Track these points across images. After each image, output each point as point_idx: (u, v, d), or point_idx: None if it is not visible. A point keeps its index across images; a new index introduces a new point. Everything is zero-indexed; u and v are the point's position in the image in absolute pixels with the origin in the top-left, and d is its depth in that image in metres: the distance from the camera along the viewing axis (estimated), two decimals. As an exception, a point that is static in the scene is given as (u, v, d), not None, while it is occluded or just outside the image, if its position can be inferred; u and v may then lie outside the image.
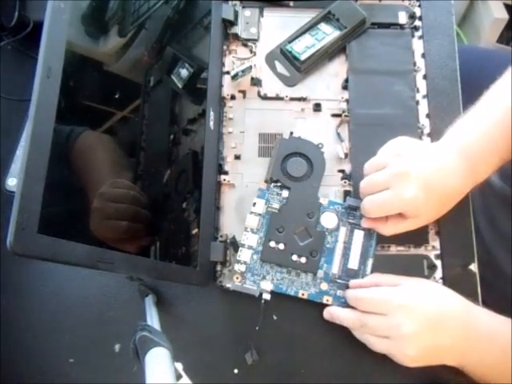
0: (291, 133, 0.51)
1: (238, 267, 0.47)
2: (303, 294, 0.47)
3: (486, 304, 0.48)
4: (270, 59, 0.56)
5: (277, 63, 0.55)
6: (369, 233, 0.48)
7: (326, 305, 0.47)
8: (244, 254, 0.47)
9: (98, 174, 0.39)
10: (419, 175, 0.43)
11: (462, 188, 0.46)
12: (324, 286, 0.47)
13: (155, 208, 0.45)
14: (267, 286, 0.46)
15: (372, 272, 0.47)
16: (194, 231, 0.47)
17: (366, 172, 0.47)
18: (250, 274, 0.47)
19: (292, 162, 0.49)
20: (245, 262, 0.47)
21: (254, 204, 0.48)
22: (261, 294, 0.46)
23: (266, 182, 0.49)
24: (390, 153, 0.46)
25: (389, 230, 0.46)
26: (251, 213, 0.48)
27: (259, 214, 0.48)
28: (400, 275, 0.47)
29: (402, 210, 0.44)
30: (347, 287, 0.47)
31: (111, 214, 0.37)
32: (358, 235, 0.48)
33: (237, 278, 0.47)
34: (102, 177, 0.39)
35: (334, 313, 0.46)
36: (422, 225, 0.46)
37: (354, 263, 0.47)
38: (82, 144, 0.37)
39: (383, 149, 0.47)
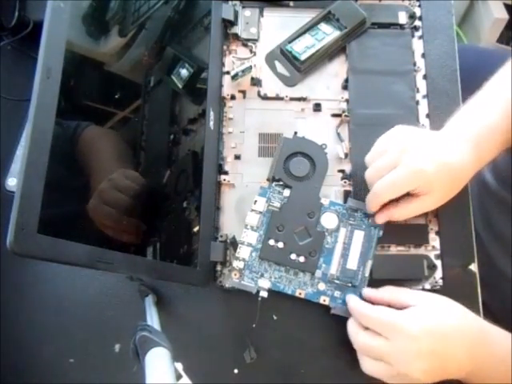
0: (295, 132, 0.51)
1: (236, 264, 0.47)
2: (300, 294, 0.47)
3: (486, 304, 0.48)
4: (269, 59, 0.56)
5: (277, 63, 0.55)
6: (370, 234, 0.48)
7: (324, 305, 0.47)
8: (243, 251, 0.47)
9: (103, 169, 0.39)
10: (424, 148, 0.43)
11: (469, 165, 0.45)
12: (321, 286, 0.47)
13: (155, 208, 0.45)
14: (265, 283, 0.46)
15: (371, 273, 0.47)
16: (194, 231, 0.47)
17: (369, 163, 0.47)
18: (248, 271, 0.47)
19: (295, 162, 0.49)
20: (243, 259, 0.47)
21: (255, 202, 0.48)
22: (258, 292, 0.46)
23: (268, 180, 0.49)
24: (389, 139, 0.46)
25: (402, 212, 0.45)
26: (252, 210, 0.48)
27: (260, 212, 0.48)
28: (401, 276, 0.47)
29: (414, 185, 0.43)
30: (342, 288, 0.47)
31: (110, 201, 0.37)
32: (358, 236, 0.48)
33: (235, 275, 0.47)
34: (107, 172, 0.39)
35: (352, 303, 0.45)
36: (436, 206, 0.46)
37: (352, 264, 0.47)
38: (87, 138, 0.37)
39: (380, 139, 0.47)
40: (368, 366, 0.43)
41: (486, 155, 0.46)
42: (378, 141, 0.47)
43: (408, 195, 0.45)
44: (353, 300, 0.45)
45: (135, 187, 0.40)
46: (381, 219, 0.46)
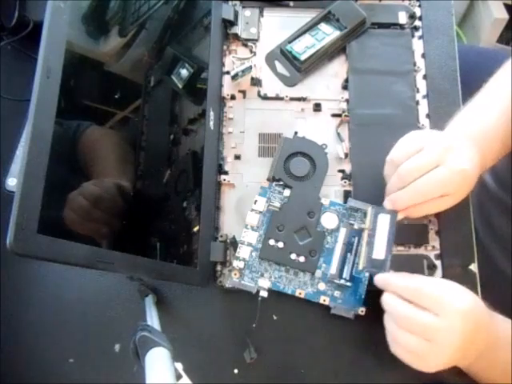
0: (296, 132, 0.51)
1: (236, 264, 0.47)
2: (300, 293, 0.47)
3: (486, 304, 0.48)
4: (270, 59, 0.56)
5: (277, 63, 0.55)
6: (394, 218, 0.45)
7: (324, 305, 0.47)
8: (243, 251, 0.47)
9: (103, 170, 0.39)
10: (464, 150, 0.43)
11: (476, 170, 0.44)
12: (321, 286, 0.47)
13: (155, 208, 0.45)
14: (265, 283, 0.46)
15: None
16: (194, 231, 0.47)
17: (399, 160, 0.44)
18: (248, 270, 0.47)
19: (295, 162, 0.49)
20: (243, 259, 0.47)
21: (255, 202, 0.48)
22: (258, 292, 0.46)
23: (268, 180, 0.49)
24: (424, 137, 0.44)
25: (420, 210, 0.44)
26: (252, 210, 0.48)
27: (260, 212, 0.48)
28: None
29: (458, 186, 0.43)
30: (342, 288, 0.47)
31: (73, 206, 0.36)
32: (383, 220, 0.45)
33: (235, 275, 0.47)
34: (107, 173, 0.39)
35: (387, 280, 0.43)
36: (450, 206, 0.45)
37: (380, 253, 0.44)
38: (87, 138, 0.37)
39: (410, 136, 0.45)
40: (404, 340, 0.40)
41: (488, 161, 0.46)
42: (406, 138, 0.45)
43: None
44: (392, 275, 0.43)
45: (95, 195, 0.38)
46: (399, 216, 0.45)
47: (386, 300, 0.42)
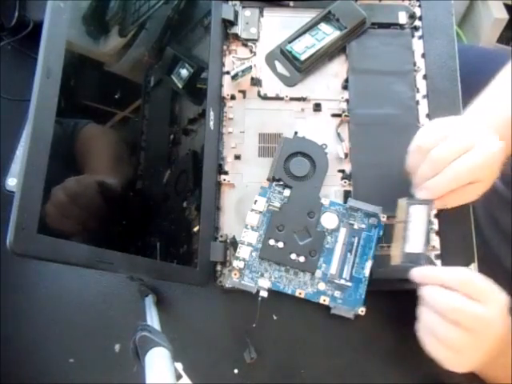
0: (296, 132, 0.51)
1: (236, 264, 0.47)
2: (300, 294, 0.47)
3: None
4: (269, 59, 0.56)
5: (277, 63, 0.55)
6: (428, 210, 0.43)
7: (324, 305, 0.47)
8: (243, 251, 0.47)
9: (98, 168, 0.39)
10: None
11: (502, 156, 0.44)
12: (321, 286, 0.47)
13: (155, 208, 0.45)
14: (265, 283, 0.46)
15: (371, 273, 0.47)
16: (194, 231, 0.47)
17: (427, 146, 0.42)
18: (248, 270, 0.47)
19: (295, 162, 0.49)
20: (243, 259, 0.47)
21: (255, 202, 0.48)
22: (258, 292, 0.46)
23: (268, 180, 0.49)
24: (447, 124, 0.43)
25: (457, 199, 0.44)
26: (252, 210, 0.48)
27: (260, 212, 0.48)
28: (401, 276, 0.46)
29: (493, 168, 0.42)
30: (342, 288, 0.47)
31: (53, 201, 0.36)
32: (418, 211, 0.43)
33: (235, 275, 0.47)
34: (102, 171, 0.39)
35: (429, 273, 0.41)
36: (480, 194, 0.44)
37: (414, 246, 0.43)
38: (84, 136, 0.37)
39: (434, 124, 0.44)
40: (446, 333, 0.39)
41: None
42: (431, 125, 0.44)
43: None
44: (433, 267, 0.43)
45: (79, 192, 0.38)
46: (436, 204, 0.44)
47: (430, 293, 0.41)
